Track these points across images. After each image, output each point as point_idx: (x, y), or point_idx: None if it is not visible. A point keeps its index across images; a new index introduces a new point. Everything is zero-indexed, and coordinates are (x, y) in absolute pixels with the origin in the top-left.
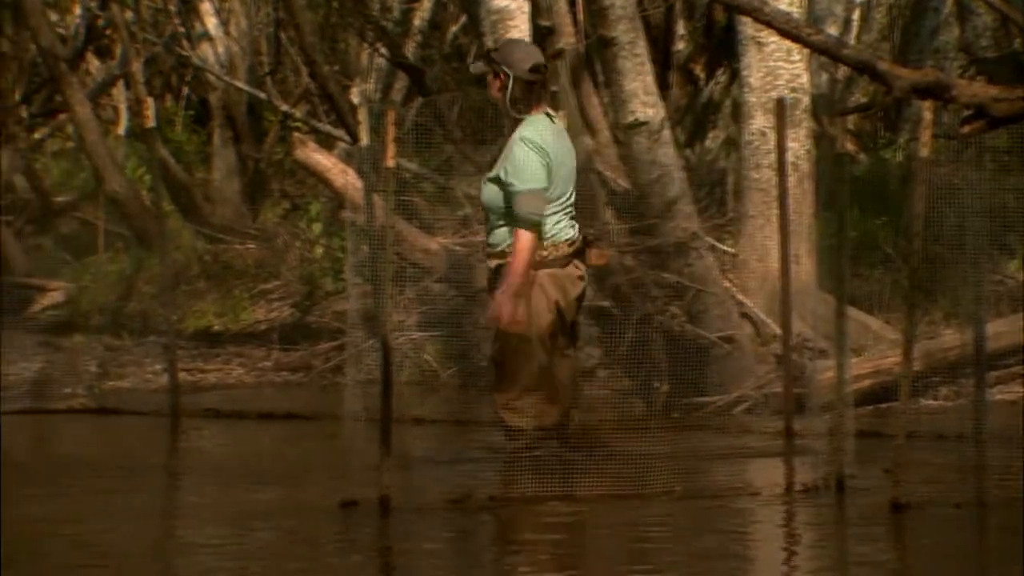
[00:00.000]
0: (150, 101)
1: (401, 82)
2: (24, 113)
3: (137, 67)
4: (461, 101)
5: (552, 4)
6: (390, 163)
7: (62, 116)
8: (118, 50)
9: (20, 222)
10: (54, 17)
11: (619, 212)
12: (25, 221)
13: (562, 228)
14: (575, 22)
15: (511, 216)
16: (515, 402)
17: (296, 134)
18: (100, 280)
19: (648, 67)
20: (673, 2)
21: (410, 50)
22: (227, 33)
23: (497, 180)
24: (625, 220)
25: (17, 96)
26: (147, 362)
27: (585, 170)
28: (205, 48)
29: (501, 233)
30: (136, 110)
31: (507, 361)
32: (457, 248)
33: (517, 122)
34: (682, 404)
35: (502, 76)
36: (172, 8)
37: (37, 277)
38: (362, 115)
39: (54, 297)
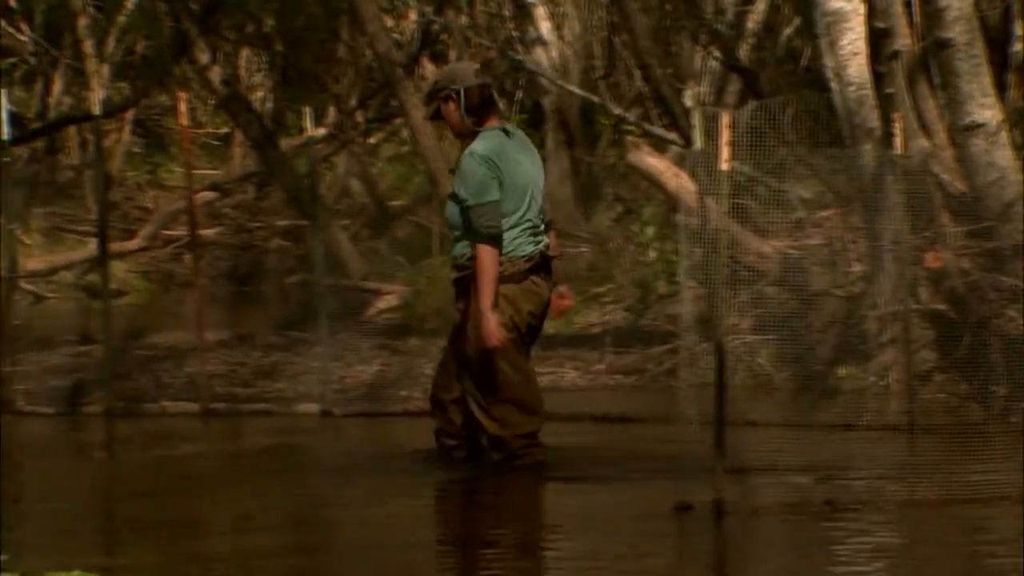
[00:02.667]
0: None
1: (734, 85)
2: (360, 118)
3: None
4: (795, 103)
5: (888, 6)
6: (724, 166)
7: (397, 121)
8: (453, 55)
9: (356, 226)
10: (390, 23)
11: (955, 215)
12: (361, 225)
13: (519, 244)
14: (911, 23)
15: (470, 231)
16: (494, 412)
17: (629, 137)
18: (435, 283)
19: (985, 68)
20: (1011, 2)
21: (743, 52)
22: (560, 37)
23: (454, 196)
24: (962, 223)
25: (353, 101)
26: None
27: (921, 172)
28: (539, 52)
29: (459, 246)
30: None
31: (480, 372)
32: (791, 251)
33: (474, 136)
34: (1020, 408)
35: (454, 96)
36: (506, 13)
37: (373, 280)
38: (696, 118)
39: (389, 300)
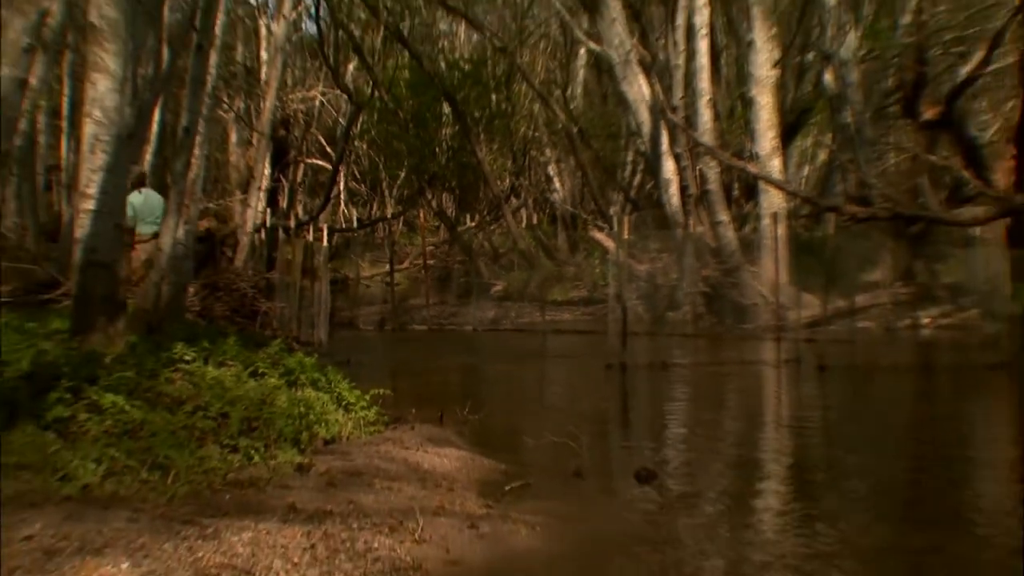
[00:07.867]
0: (534, 214)
1: (629, 206)
2: (488, 218)
3: (530, 202)
4: (651, 213)
5: (687, 176)
6: (625, 237)
7: (502, 219)
8: (523, 193)
9: (487, 259)
10: (499, 180)
11: (713, 256)
12: (489, 259)
13: (146, 229)
14: (697, 182)
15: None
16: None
17: (589, 225)
18: (518, 279)
19: (723, 201)
20: (732, 176)
21: (633, 193)
22: (562, 184)
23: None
24: (715, 259)
25: (486, 211)
26: (534, 313)
27: (700, 239)
28: (555, 193)
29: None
30: (530, 216)
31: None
32: (650, 268)
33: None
34: (738, 328)
35: (137, 183)
36: (542, 176)
37: (492, 279)
38: (616, 218)
39: (498, 287)
